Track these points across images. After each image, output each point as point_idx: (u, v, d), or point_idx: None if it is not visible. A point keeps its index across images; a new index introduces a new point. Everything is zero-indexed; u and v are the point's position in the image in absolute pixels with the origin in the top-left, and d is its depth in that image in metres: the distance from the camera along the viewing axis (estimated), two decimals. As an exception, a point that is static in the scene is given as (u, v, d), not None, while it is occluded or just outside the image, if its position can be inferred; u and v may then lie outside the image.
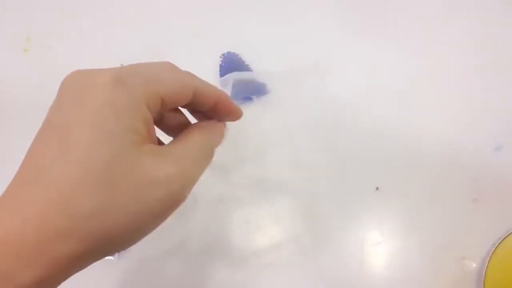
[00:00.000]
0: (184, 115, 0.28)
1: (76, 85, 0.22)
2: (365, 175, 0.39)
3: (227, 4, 0.49)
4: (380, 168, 0.40)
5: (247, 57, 0.44)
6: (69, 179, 0.20)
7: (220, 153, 0.36)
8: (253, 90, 0.42)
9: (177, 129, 0.27)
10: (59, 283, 0.21)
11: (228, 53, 0.43)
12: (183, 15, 0.49)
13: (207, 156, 0.25)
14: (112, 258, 0.35)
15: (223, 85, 0.39)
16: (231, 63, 0.43)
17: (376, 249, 0.37)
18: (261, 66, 0.43)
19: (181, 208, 0.36)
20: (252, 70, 0.43)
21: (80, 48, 0.48)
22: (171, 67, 0.25)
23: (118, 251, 0.21)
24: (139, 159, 0.21)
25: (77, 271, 0.21)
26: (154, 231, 0.35)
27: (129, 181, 0.21)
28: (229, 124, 0.30)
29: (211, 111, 0.27)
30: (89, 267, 0.34)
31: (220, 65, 0.43)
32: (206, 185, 0.37)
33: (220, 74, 0.43)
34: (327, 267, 0.37)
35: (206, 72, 0.40)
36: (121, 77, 0.22)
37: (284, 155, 0.40)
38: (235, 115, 0.28)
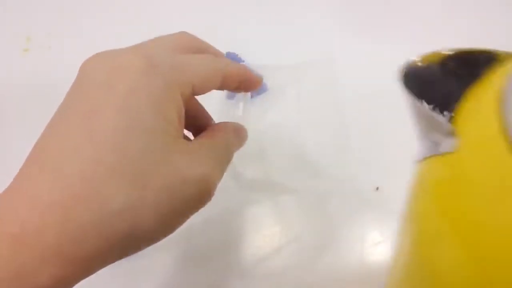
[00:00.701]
0: (205, 109, 0.27)
1: (101, 68, 0.20)
2: (365, 175, 0.39)
3: (227, 4, 0.49)
4: (380, 168, 0.40)
5: (247, 57, 0.44)
6: (95, 168, 0.18)
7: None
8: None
9: (196, 125, 0.25)
10: (79, 281, 0.19)
11: (228, 53, 0.43)
12: (183, 15, 0.49)
13: (230, 158, 0.24)
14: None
15: None
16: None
17: (376, 249, 0.37)
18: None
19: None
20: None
21: (80, 48, 0.48)
22: (190, 42, 0.23)
23: (141, 250, 0.20)
24: (173, 153, 0.20)
25: (98, 269, 0.19)
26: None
27: (162, 176, 0.19)
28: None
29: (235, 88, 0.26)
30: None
31: None
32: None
33: None
34: (326, 267, 0.36)
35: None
36: (153, 62, 0.20)
37: (284, 154, 0.40)
38: (257, 85, 0.27)
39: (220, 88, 0.24)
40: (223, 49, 0.46)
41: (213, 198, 0.38)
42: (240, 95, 0.35)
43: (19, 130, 0.42)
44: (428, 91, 0.20)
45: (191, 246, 0.37)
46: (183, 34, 0.24)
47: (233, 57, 0.42)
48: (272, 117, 0.41)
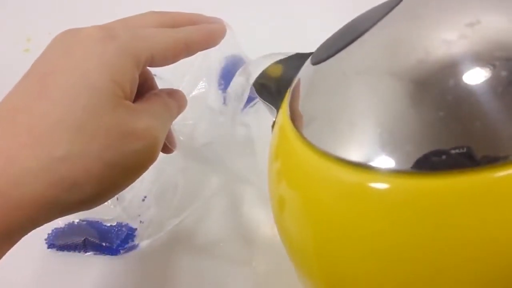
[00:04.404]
0: (155, 83, 0.28)
1: (65, 39, 0.23)
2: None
3: (229, 4, 0.48)
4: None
5: (249, 57, 0.43)
6: (44, 121, 0.19)
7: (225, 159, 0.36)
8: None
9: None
10: (25, 231, 0.20)
11: (232, 56, 0.42)
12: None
13: (170, 117, 0.26)
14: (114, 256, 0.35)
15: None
16: (234, 67, 0.42)
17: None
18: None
19: (180, 207, 0.36)
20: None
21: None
22: (157, 19, 0.25)
23: (89, 207, 0.22)
24: (118, 110, 0.21)
25: (44, 221, 0.20)
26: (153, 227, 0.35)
27: (106, 130, 0.20)
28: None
29: None
30: (86, 266, 0.34)
31: (223, 68, 0.42)
32: (203, 181, 0.38)
33: (222, 78, 0.42)
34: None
35: (209, 75, 0.40)
36: (112, 33, 0.22)
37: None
38: (222, 35, 0.28)
39: (188, 55, 0.26)
40: (223, 50, 0.46)
41: (213, 199, 0.38)
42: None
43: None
44: (265, 94, 0.29)
45: (190, 243, 0.37)
46: (151, 13, 0.26)
47: (236, 60, 0.42)
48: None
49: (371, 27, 0.20)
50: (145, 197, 0.36)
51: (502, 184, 0.15)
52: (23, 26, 0.50)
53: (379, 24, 0.20)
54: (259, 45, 0.44)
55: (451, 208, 0.15)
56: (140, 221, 0.35)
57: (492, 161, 0.15)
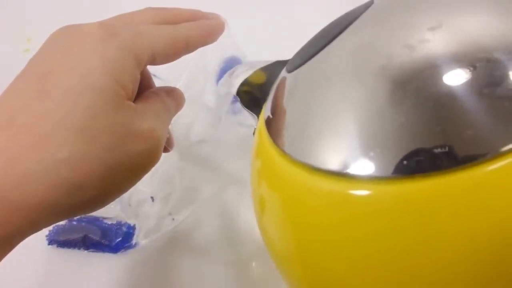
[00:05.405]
0: (153, 82, 0.28)
1: (63, 36, 0.22)
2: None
3: (229, 4, 0.49)
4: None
5: (249, 57, 0.43)
6: (44, 122, 0.19)
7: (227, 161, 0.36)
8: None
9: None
10: (25, 235, 0.19)
11: (231, 57, 0.43)
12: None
13: (169, 116, 0.25)
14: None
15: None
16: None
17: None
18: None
19: (179, 207, 0.36)
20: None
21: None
22: (156, 16, 0.25)
23: (91, 210, 0.21)
24: (120, 111, 0.21)
25: (45, 225, 0.20)
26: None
27: (108, 131, 0.20)
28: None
29: None
30: (85, 263, 0.34)
31: (221, 70, 0.42)
32: (201, 181, 0.38)
33: (219, 79, 0.42)
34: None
35: (205, 73, 0.40)
36: (113, 31, 0.22)
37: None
38: (221, 31, 0.28)
39: (188, 52, 0.25)
40: (222, 50, 0.46)
41: (212, 198, 0.38)
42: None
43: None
44: (249, 101, 0.29)
45: (188, 242, 0.37)
46: (148, 9, 0.25)
47: (236, 62, 0.42)
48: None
49: (341, 32, 0.20)
50: (145, 196, 0.36)
51: (483, 181, 0.15)
52: (23, 26, 0.50)
53: (350, 29, 0.20)
54: (260, 45, 0.45)
55: (434, 211, 0.15)
56: (139, 221, 0.35)
57: (471, 159, 0.14)
